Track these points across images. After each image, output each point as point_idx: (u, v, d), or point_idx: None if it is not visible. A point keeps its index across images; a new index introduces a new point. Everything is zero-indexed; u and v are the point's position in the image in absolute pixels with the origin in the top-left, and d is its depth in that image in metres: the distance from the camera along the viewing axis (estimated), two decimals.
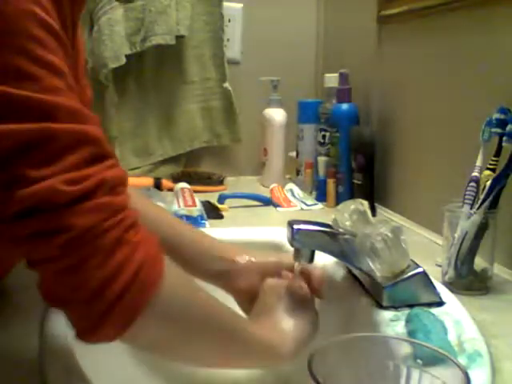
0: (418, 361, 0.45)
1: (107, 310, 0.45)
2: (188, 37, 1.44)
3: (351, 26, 1.37)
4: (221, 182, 1.43)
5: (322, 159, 1.28)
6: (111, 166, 0.47)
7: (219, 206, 1.19)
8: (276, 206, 1.23)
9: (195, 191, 1.27)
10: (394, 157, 1.14)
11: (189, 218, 1.07)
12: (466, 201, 0.74)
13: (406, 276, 0.66)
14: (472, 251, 0.73)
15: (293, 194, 1.29)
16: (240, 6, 1.53)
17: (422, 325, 0.58)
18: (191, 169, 1.51)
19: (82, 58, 0.70)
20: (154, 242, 0.49)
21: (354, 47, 1.34)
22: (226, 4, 1.49)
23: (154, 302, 0.47)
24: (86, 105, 0.75)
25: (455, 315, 0.62)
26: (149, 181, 1.36)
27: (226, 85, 1.50)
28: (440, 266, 0.77)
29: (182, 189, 1.26)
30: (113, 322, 0.46)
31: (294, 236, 0.68)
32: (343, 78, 1.21)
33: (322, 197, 1.26)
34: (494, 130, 0.73)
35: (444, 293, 0.67)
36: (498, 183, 0.71)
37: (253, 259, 0.73)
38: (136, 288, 0.46)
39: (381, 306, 0.65)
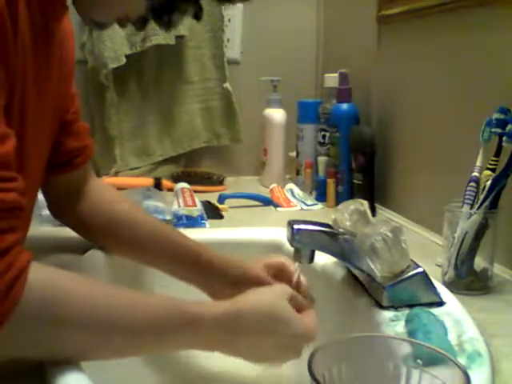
0: (418, 361, 0.45)
1: None
2: (188, 37, 1.44)
3: (351, 26, 1.37)
4: (221, 182, 1.43)
5: (321, 159, 1.28)
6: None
7: (219, 205, 1.19)
8: (276, 205, 1.23)
9: (195, 191, 1.27)
10: (394, 157, 1.14)
11: (189, 217, 1.07)
12: (466, 201, 0.74)
13: (405, 276, 0.66)
14: (472, 251, 0.73)
15: (293, 194, 1.29)
16: (240, 6, 1.53)
17: (422, 325, 0.58)
18: (191, 169, 1.51)
19: (68, 68, 0.69)
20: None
21: (353, 47, 1.34)
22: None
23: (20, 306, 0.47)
24: (76, 114, 0.75)
25: (455, 315, 0.62)
26: (149, 181, 1.36)
27: (226, 85, 1.50)
28: (440, 266, 0.77)
29: (182, 189, 1.26)
30: None
31: (294, 236, 0.68)
32: (343, 78, 1.21)
33: (321, 197, 1.26)
34: (493, 129, 0.73)
35: (444, 293, 0.67)
36: (498, 183, 0.71)
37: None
38: None
39: (381, 306, 0.65)
